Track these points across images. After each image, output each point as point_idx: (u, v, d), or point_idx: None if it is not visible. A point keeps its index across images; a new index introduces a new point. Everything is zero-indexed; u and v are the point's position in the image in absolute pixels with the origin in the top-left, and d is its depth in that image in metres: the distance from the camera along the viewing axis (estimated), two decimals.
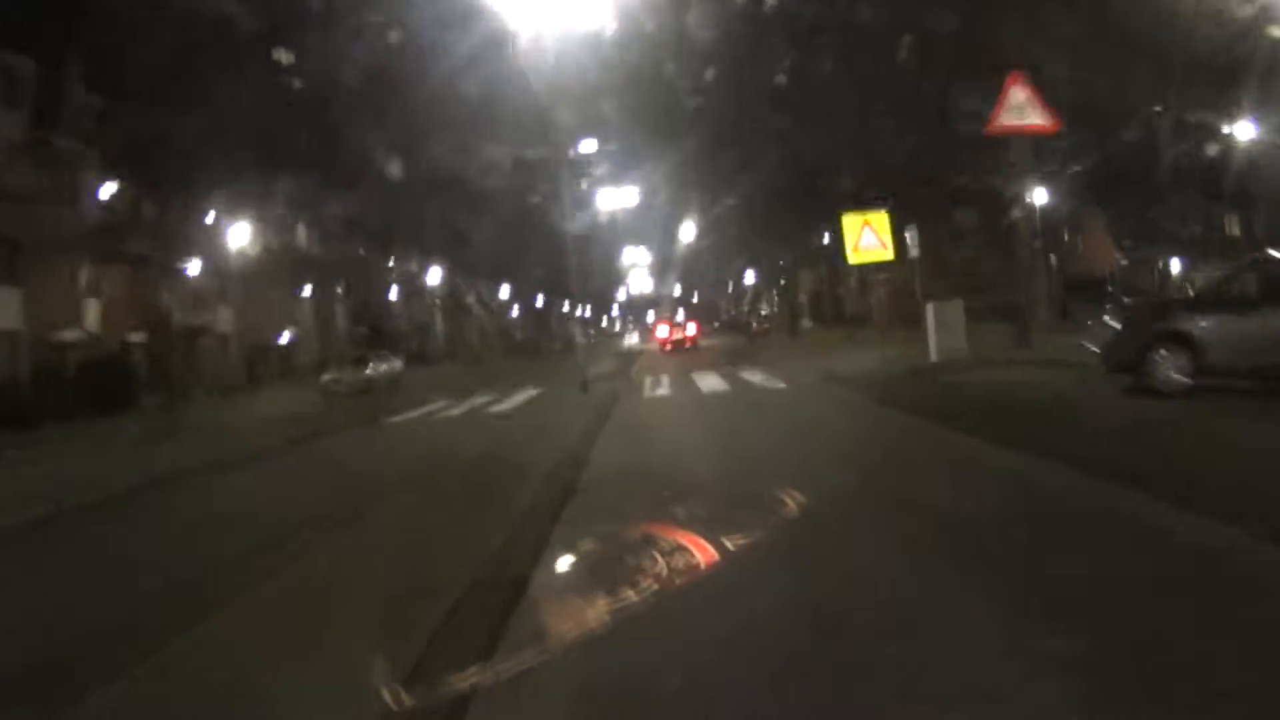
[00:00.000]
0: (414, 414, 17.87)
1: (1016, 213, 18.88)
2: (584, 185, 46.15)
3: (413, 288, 59.00)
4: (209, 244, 35.92)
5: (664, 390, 17.48)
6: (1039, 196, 35.00)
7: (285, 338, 43.08)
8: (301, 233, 47.15)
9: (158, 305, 33.81)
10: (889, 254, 15.69)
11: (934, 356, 15.67)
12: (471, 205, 49.62)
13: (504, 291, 74.56)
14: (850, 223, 15.48)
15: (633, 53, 29.76)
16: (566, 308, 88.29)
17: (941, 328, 15.70)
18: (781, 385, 15.87)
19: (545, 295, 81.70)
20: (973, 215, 35.94)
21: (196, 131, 34.62)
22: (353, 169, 44.17)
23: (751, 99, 32.57)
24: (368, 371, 29.76)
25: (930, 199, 33.05)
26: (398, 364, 33.09)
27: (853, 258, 15.72)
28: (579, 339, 19.67)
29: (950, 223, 36.37)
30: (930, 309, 15.88)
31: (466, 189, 46.68)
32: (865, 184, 33.72)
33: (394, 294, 58.48)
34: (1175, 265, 47.15)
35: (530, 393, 19.60)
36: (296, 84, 41.30)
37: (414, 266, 57.73)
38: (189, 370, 34.68)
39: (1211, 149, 29.83)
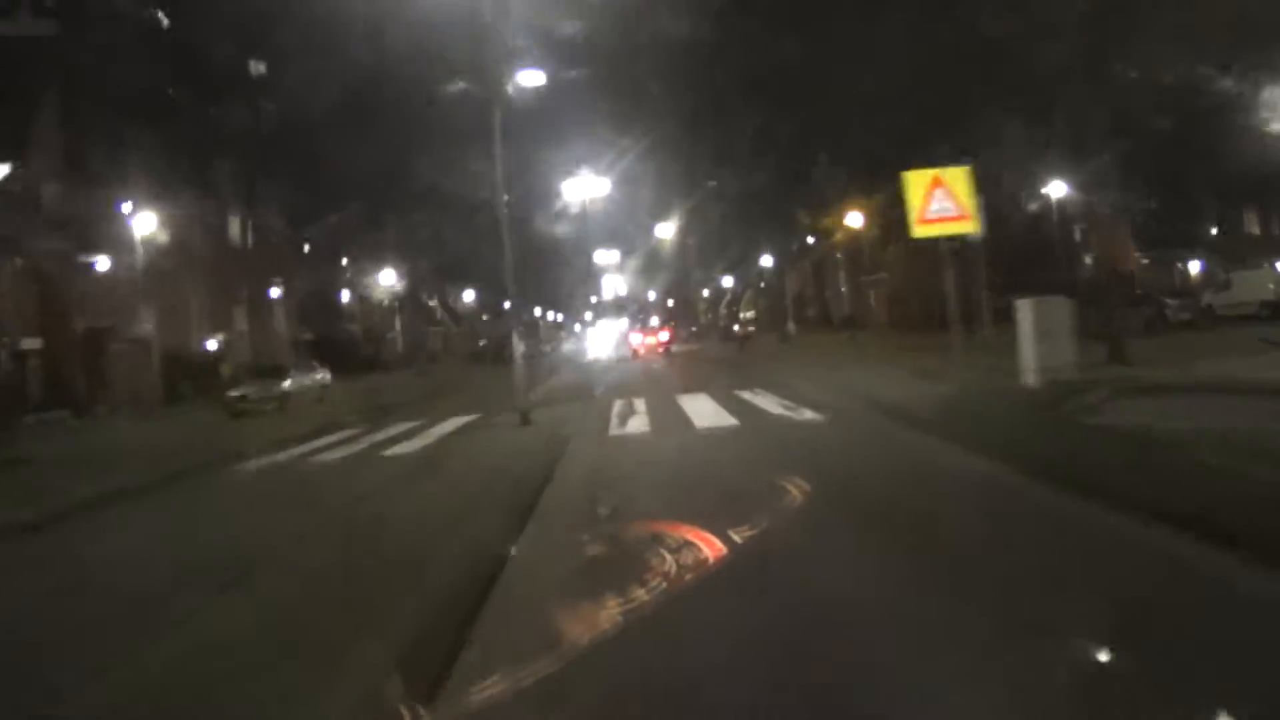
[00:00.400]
0: (295, 452, 12.96)
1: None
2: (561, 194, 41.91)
3: (367, 289, 53.73)
4: (124, 236, 30.85)
5: (639, 424, 12.25)
6: (1056, 189, 30.80)
7: (213, 343, 37.84)
8: (237, 225, 41.89)
9: (56, 306, 28.76)
10: (972, 224, 10.77)
11: (1030, 377, 10.73)
12: (437, 204, 45.07)
13: (470, 295, 69.43)
14: (915, 182, 10.51)
15: (608, 20, 25.73)
16: (539, 312, 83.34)
17: (1041, 336, 10.72)
18: (812, 418, 10.81)
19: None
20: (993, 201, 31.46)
21: (106, 106, 29.82)
22: (300, 155, 39.46)
23: (734, 82, 29.05)
24: (285, 386, 24.79)
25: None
26: (326, 376, 28.05)
27: (917, 229, 10.76)
28: (517, 346, 14.56)
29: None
30: (1026, 309, 10.79)
31: (432, 187, 42.15)
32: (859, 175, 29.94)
33: (347, 296, 53.30)
34: (1194, 266, 43.39)
35: (458, 422, 14.56)
36: (228, 59, 36.37)
37: (369, 266, 52.44)
38: (93, 382, 29.58)
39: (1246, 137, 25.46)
